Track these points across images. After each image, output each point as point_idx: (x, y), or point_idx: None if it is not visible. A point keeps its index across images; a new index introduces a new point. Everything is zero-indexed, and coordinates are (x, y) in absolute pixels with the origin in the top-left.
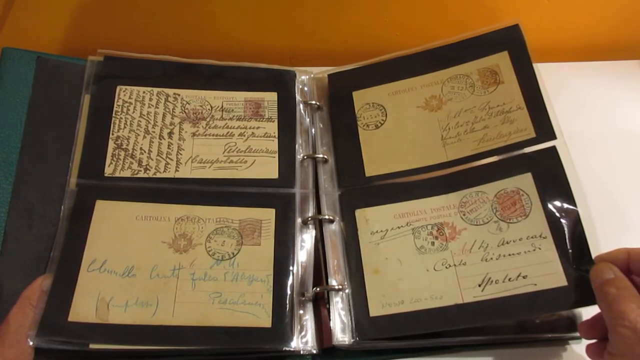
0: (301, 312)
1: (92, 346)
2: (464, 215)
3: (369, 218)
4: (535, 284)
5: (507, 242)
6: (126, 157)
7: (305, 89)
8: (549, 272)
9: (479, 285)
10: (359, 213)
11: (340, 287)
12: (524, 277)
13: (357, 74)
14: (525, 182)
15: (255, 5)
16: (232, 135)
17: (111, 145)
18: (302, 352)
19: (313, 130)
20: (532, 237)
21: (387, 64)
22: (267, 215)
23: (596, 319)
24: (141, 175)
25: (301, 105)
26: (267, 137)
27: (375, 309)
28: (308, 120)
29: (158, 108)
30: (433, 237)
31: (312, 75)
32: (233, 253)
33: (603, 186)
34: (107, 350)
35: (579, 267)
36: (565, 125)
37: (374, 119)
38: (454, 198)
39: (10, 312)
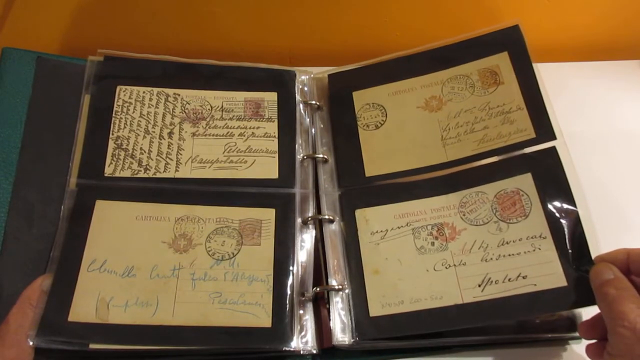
0: (301, 312)
1: (92, 346)
2: (464, 215)
3: (369, 218)
4: (535, 284)
5: (507, 243)
6: (126, 157)
7: (305, 89)
8: (548, 273)
9: (479, 286)
10: (359, 213)
11: (340, 287)
12: (523, 278)
13: (357, 74)
14: (525, 182)
15: (255, 5)
16: (232, 135)
17: (111, 145)
18: (302, 352)
19: (313, 130)
20: (532, 238)
21: (387, 64)
22: (267, 215)
23: (596, 319)
24: (141, 175)
25: (301, 105)
26: (267, 137)
27: (375, 309)
28: (308, 120)
29: (158, 108)
30: (433, 238)
31: (312, 75)
32: (233, 253)
33: (603, 186)
34: (107, 350)
35: (579, 268)
36: (565, 125)
37: (374, 119)
38: (454, 198)
39: (10, 312)
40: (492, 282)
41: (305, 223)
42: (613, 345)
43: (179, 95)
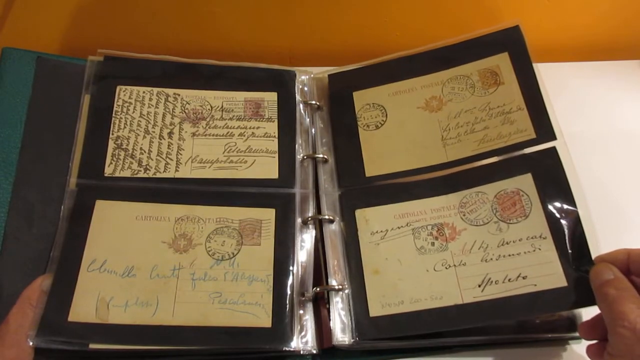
0: (301, 312)
1: (92, 346)
2: (464, 215)
3: (369, 218)
4: (535, 285)
5: (507, 243)
6: (126, 157)
7: (305, 89)
8: (548, 273)
9: (479, 286)
10: (359, 213)
11: (340, 287)
12: (523, 278)
13: (357, 74)
14: (525, 182)
15: (255, 5)
16: (232, 135)
17: (111, 145)
18: (302, 352)
19: (313, 130)
20: (532, 238)
21: (387, 65)
22: (267, 215)
23: (596, 319)
24: (141, 175)
25: (301, 105)
26: (267, 137)
27: (375, 309)
28: (308, 120)
29: (158, 108)
30: (433, 238)
31: (312, 75)
32: (233, 253)
33: (603, 186)
34: (107, 350)
35: (579, 268)
36: (565, 125)
37: (374, 120)
38: (454, 198)
39: (10, 312)
40: (492, 282)
41: (305, 223)
42: (613, 345)
43: (179, 95)
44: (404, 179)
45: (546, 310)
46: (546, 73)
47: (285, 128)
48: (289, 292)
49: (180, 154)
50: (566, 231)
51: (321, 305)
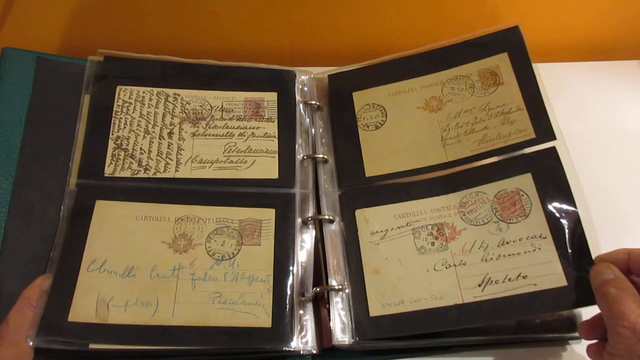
0: (301, 312)
1: (92, 346)
2: (464, 215)
3: (369, 218)
4: (535, 284)
5: (507, 243)
6: (126, 157)
7: (305, 89)
8: (548, 272)
9: (479, 286)
10: (359, 213)
11: (340, 287)
12: (523, 277)
13: (357, 74)
14: (525, 182)
15: (255, 5)
16: (232, 136)
17: (111, 145)
18: (302, 352)
19: (313, 130)
20: (532, 238)
21: (387, 65)
22: (267, 215)
23: (596, 319)
24: (141, 175)
25: (301, 105)
26: (267, 137)
27: (375, 309)
28: (308, 120)
29: (158, 108)
30: (433, 238)
31: (312, 75)
32: (233, 253)
33: (603, 186)
34: (107, 350)
35: (579, 268)
36: (565, 125)
37: (374, 120)
38: (454, 198)
39: (10, 312)
40: (492, 282)
41: (305, 223)
42: (613, 345)
43: (178, 95)
44: (404, 179)
45: (546, 309)
46: (546, 73)
47: (285, 128)
48: (289, 292)
49: (180, 154)
50: (566, 231)
51: (321, 305)
